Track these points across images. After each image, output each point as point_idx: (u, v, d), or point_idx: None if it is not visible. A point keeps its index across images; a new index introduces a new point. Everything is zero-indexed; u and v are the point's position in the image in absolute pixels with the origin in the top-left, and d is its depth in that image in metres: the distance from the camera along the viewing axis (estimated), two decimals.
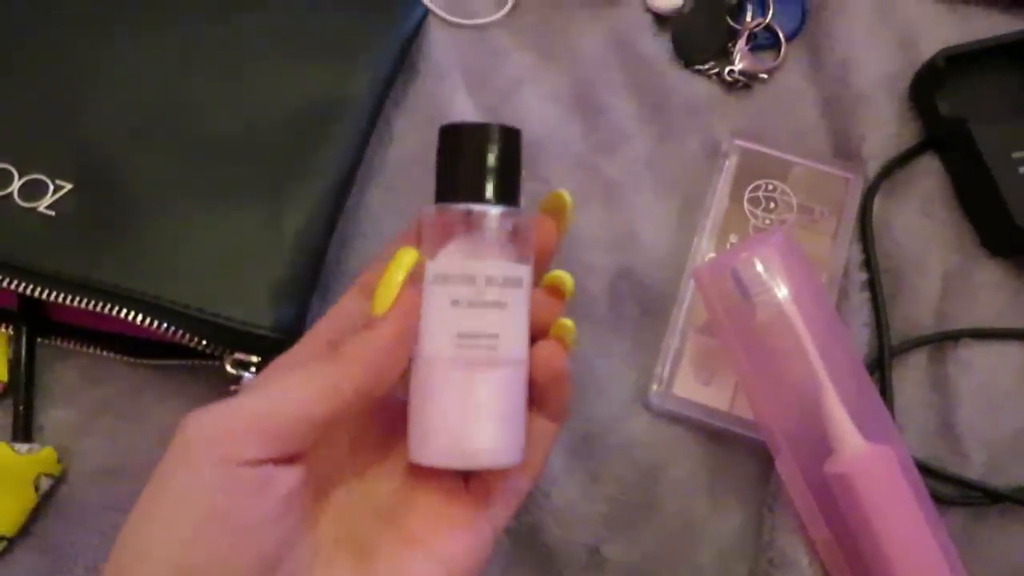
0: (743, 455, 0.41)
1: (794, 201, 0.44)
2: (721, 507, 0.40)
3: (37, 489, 0.38)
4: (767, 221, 0.44)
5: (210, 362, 0.38)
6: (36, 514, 0.39)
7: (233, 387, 0.37)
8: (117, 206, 0.38)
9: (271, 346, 0.37)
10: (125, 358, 0.40)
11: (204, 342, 0.37)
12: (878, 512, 0.35)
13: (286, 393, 0.28)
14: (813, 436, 0.37)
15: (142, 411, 0.41)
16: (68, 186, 0.38)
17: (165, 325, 0.36)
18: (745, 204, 0.44)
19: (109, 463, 0.40)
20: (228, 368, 0.37)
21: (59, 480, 0.39)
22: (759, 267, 0.38)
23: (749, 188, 0.44)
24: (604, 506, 0.40)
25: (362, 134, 0.42)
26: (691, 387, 0.41)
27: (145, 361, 0.40)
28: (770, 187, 0.45)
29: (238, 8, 0.43)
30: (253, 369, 0.37)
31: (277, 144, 0.40)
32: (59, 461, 0.39)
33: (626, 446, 0.41)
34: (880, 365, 0.42)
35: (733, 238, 0.44)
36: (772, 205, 0.44)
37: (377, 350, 0.29)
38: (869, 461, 0.36)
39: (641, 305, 0.43)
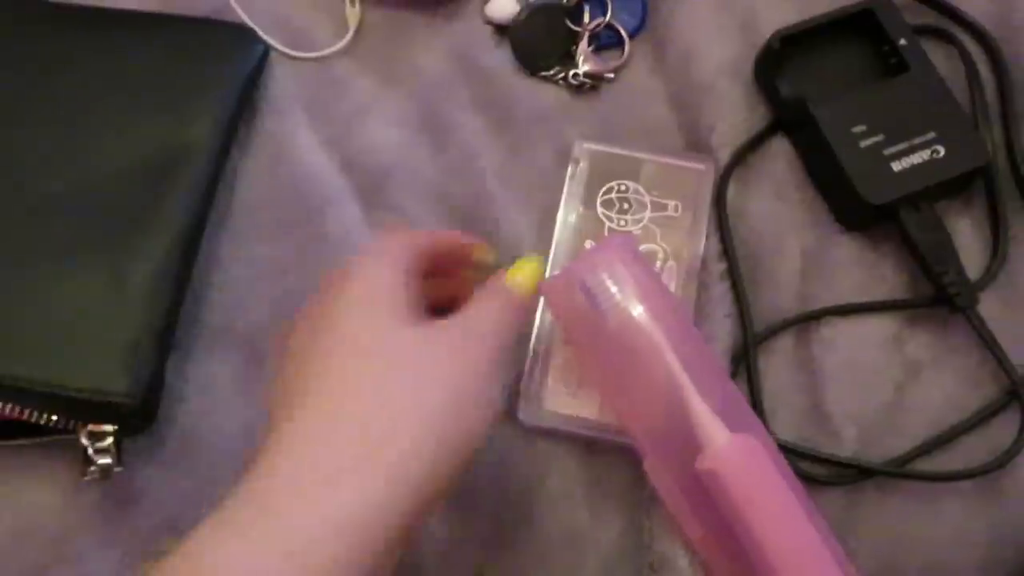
0: (618, 461, 0.41)
1: (647, 199, 0.44)
2: (601, 516, 0.40)
3: None
4: (622, 223, 0.44)
5: (65, 436, 0.37)
6: None
7: (91, 467, 0.36)
8: None
9: (129, 412, 0.36)
10: None
11: (54, 417, 0.36)
12: (750, 502, 0.35)
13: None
14: (678, 436, 0.37)
15: None
16: None
17: (9, 405, 0.36)
18: (599, 208, 0.44)
19: None
20: (83, 440, 0.36)
21: None
22: (603, 275, 0.38)
23: (602, 191, 0.44)
24: (483, 527, 0.40)
25: (208, 180, 0.42)
26: (560, 399, 0.41)
27: None
28: (623, 188, 0.44)
29: (70, 60, 0.42)
30: (110, 440, 0.36)
31: (116, 199, 0.40)
32: None
33: (500, 464, 0.41)
34: (745, 353, 0.42)
35: (589, 244, 0.44)
36: (626, 206, 0.44)
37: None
38: (736, 452, 0.36)
39: None
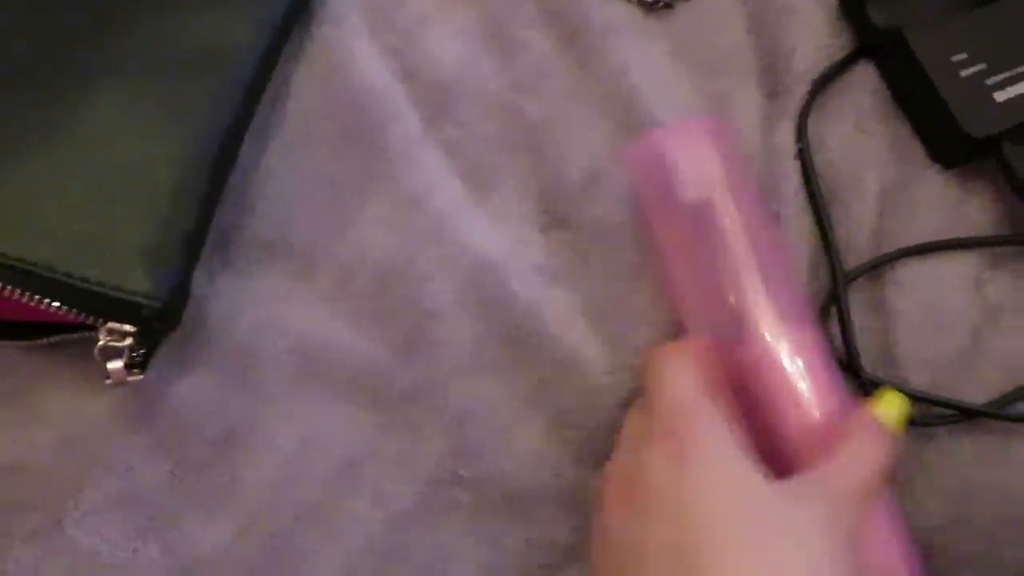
0: None
1: None
2: None
3: None
4: None
5: (86, 334, 0.35)
6: None
7: (109, 364, 0.34)
8: None
9: (150, 315, 0.34)
10: None
11: (67, 308, 0.33)
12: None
13: None
14: (729, 326, 0.35)
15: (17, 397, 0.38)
16: None
17: (19, 291, 0.33)
18: None
19: None
20: (101, 339, 0.34)
21: None
22: (689, 148, 0.37)
23: None
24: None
25: (248, 84, 0.39)
26: None
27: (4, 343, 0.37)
28: None
29: None
30: (129, 340, 0.34)
31: (154, 90, 0.37)
32: None
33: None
34: (834, 293, 0.40)
35: None
36: None
37: None
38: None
39: None
